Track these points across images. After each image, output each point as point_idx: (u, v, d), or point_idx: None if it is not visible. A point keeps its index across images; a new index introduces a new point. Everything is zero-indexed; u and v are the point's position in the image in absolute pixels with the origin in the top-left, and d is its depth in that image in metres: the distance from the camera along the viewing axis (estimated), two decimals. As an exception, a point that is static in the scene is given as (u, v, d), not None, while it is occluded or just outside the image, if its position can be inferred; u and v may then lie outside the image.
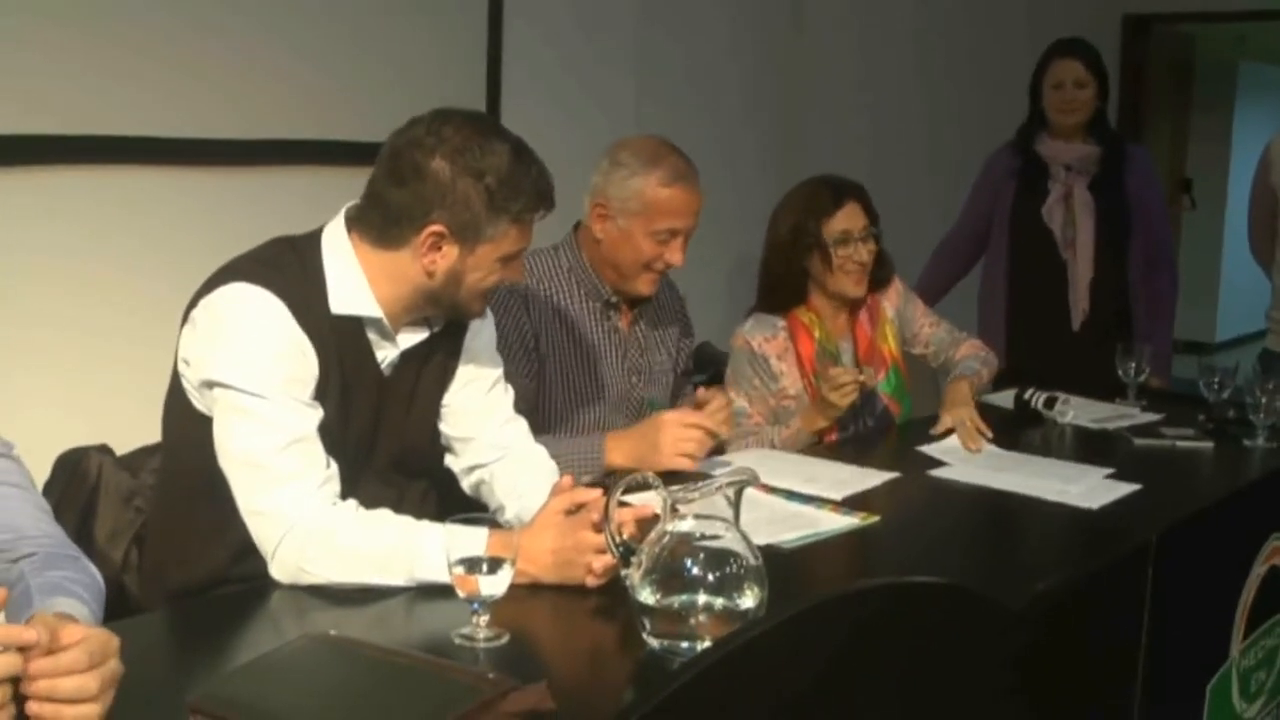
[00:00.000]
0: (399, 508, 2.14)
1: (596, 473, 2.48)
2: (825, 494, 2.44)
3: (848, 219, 2.96)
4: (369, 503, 2.05)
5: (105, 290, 3.02)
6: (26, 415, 2.82)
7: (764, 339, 3.00)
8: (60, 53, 2.89)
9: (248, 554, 1.96)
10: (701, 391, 2.66)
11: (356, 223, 2.05)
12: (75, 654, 1.32)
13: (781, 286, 3.03)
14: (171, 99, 3.09)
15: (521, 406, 2.36)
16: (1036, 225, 3.83)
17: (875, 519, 2.32)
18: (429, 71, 3.59)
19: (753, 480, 1.72)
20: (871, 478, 2.59)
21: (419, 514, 2.18)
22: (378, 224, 2.02)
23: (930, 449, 2.84)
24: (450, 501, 2.31)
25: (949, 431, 2.92)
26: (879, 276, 3.08)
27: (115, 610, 2.15)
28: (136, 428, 2.24)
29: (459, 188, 1.96)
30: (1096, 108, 3.82)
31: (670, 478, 1.88)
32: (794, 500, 2.42)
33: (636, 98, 4.24)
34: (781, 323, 3.01)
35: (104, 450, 2.28)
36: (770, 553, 2.09)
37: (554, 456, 2.34)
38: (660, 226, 2.61)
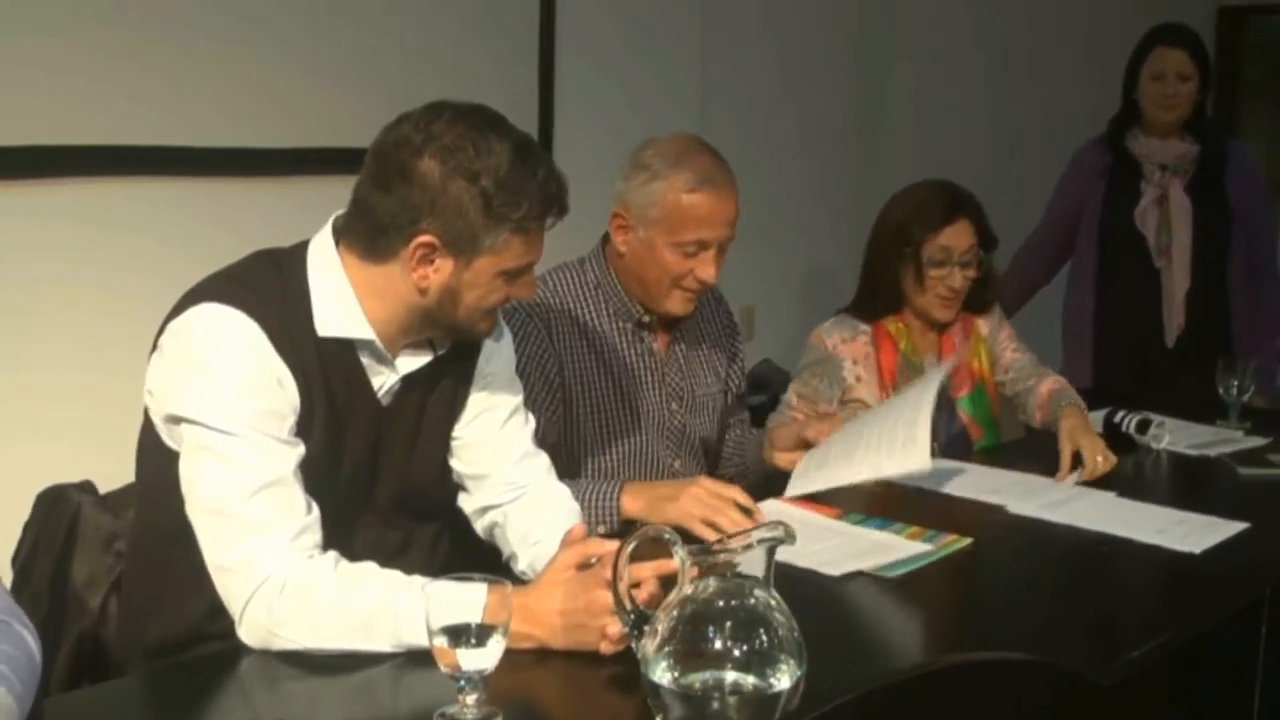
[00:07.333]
0: (406, 553, 1.95)
1: (611, 525, 2.19)
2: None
3: (953, 237, 2.77)
4: (370, 547, 1.85)
5: (99, 312, 2.79)
6: (10, 447, 2.65)
7: (841, 339, 2.84)
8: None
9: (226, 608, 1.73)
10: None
11: (343, 234, 1.83)
12: None
13: (879, 291, 2.84)
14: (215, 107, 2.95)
15: (544, 444, 2.12)
16: (1128, 230, 3.58)
17: (967, 541, 2.15)
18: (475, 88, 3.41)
19: (788, 538, 1.45)
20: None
21: (429, 560, 1.99)
22: (364, 235, 1.79)
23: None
24: (467, 547, 2.08)
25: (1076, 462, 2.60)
26: (983, 299, 2.92)
27: (91, 668, 1.98)
28: (128, 463, 2.01)
29: (450, 192, 1.72)
30: (1197, 103, 3.55)
31: (691, 534, 1.62)
32: (869, 525, 2.22)
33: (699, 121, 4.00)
34: (865, 327, 2.84)
35: (85, 488, 2.07)
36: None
37: None
38: (686, 238, 2.31)
